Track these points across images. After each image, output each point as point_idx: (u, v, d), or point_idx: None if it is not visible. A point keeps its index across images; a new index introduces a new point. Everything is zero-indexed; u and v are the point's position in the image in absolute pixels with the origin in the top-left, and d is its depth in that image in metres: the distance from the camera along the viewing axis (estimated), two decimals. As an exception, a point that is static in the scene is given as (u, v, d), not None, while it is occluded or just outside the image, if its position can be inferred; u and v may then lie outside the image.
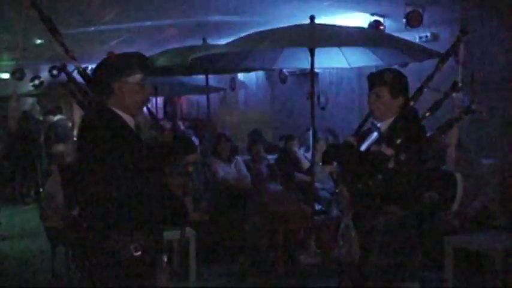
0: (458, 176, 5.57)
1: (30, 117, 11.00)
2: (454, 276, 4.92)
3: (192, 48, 7.11)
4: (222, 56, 6.19)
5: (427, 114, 3.72)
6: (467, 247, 4.93)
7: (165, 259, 2.66)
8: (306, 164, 7.60)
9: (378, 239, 3.16)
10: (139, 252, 2.49)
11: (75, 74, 3.88)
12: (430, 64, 4.45)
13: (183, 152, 2.77)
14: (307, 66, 5.73)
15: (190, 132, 9.77)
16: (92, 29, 8.37)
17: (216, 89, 10.26)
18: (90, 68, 7.61)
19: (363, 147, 3.24)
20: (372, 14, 7.13)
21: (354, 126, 3.58)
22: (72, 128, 9.73)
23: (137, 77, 2.61)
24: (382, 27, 7.14)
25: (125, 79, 2.58)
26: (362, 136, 3.32)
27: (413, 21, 6.66)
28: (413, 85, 4.19)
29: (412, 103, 3.56)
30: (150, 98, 11.14)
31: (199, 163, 6.87)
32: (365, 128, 3.42)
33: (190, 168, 2.89)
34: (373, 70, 6.84)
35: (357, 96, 8.62)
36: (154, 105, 10.26)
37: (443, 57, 4.07)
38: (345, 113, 8.92)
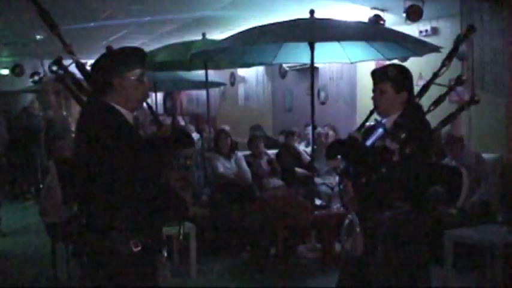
0: (464, 171, 5.59)
1: (30, 113, 10.99)
2: (454, 270, 4.92)
3: (191, 43, 7.10)
4: (221, 51, 6.18)
5: (431, 108, 3.72)
6: (467, 241, 4.93)
7: (165, 254, 2.65)
8: (306, 159, 7.61)
9: (383, 234, 3.15)
10: (139, 248, 2.49)
11: (74, 69, 3.88)
12: (429, 58, 4.44)
13: (181, 146, 2.77)
14: (307, 61, 5.73)
15: (191, 128, 9.78)
16: (92, 24, 8.35)
17: (216, 84, 10.24)
18: (89, 63, 7.60)
19: (368, 143, 3.24)
20: (372, 8, 7.12)
21: (354, 121, 3.59)
22: (70, 124, 9.71)
23: (137, 72, 2.60)
24: (382, 22, 7.12)
25: (125, 74, 2.57)
26: (366, 132, 3.32)
27: (413, 15, 6.65)
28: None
29: (417, 99, 3.55)
30: (150, 93, 11.17)
31: (199, 158, 6.88)
32: (369, 123, 3.42)
33: (189, 162, 2.88)
34: (373, 65, 6.86)
35: (358, 91, 8.61)
36: (154, 101, 10.25)
37: (449, 54, 4.04)
38: (345, 108, 8.91)
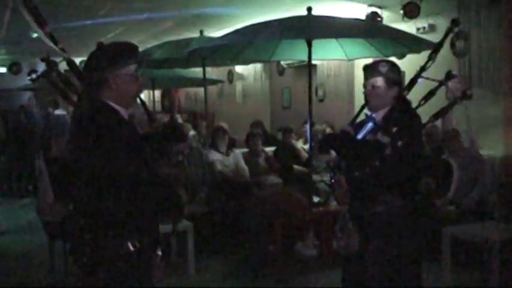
0: (453, 163, 5.65)
1: (27, 112, 10.98)
2: (452, 266, 4.93)
3: (189, 41, 7.09)
4: (219, 48, 6.17)
5: (422, 102, 3.77)
6: (465, 238, 4.94)
7: (160, 253, 2.63)
8: (304, 156, 7.61)
9: (377, 229, 3.18)
10: (136, 248, 2.47)
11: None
12: (427, 54, 4.45)
13: (172, 141, 2.75)
14: (305, 58, 5.72)
15: (188, 126, 9.75)
16: (89, 22, 8.34)
17: (214, 82, 10.23)
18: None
19: (359, 137, 3.28)
20: (370, 5, 7.12)
21: (351, 118, 3.60)
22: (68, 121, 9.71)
23: (131, 68, 2.57)
24: (379, 19, 7.12)
25: (120, 71, 2.53)
26: (356, 127, 3.35)
27: (410, 12, 6.66)
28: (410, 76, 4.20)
29: (406, 93, 3.60)
30: (147, 90, 11.16)
31: (197, 155, 6.88)
32: (360, 118, 3.45)
33: (181, 157, 2.87)
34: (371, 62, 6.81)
35: (355, 88, 8.60)
36: (152, 98, 10.24)
37: (435, 48, 4.09)
38: (342, 105, 8.90)
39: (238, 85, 12.13)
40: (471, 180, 5.77)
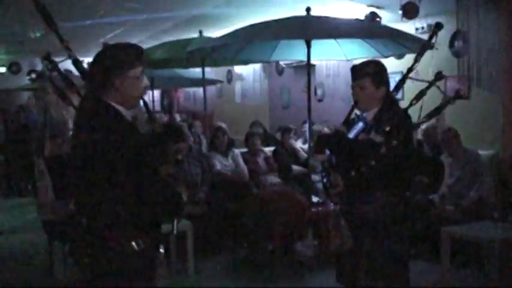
0: (444, 160, 5.73)
1: (27, 111, 10.98)
2: (451, 266, 4.94)
3: (188, 41, 7.10)
4: (218, 48, 6.18)
5: (414, 102, 3.83)
6: (464, 237, 4.95)
7: (162, 251, 2.64)
8: (303, 156, 7.62)
9: (370, 227, 3.21)
10: (140, 247, 2.48)
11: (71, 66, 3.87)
12: (425, 54, 4.46)
13: (172, 141, 2.76)
14: (304, 58, 5.73)
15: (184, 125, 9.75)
16: (88, 22, 8.34)
17: (213, 82, 10.24)
18: (86, 61, 7.60)
19: (350, 136, 3.35)
20: (368, 6, 7.12)
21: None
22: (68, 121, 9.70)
23: (138, 70, 2.57)
24: (378, 19, 7.13)
25: (126, 73, 2.53)
26: (347, 126, 3.39)
27: (409, 12, 6.66)
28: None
29: (394, 93, 3.68)
30: (147, 90, 11.17)
31: (196, 155, 6.88)
32: (351, 118, 3.51)
33: (180, 156, 2.89)
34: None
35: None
36: (151, 98, 10.25)
37: (420, 50, 4.15)
38: (342, 106, 8.91)
39: (237, 85, 12.14)
40: (470, 179, 5.79)
